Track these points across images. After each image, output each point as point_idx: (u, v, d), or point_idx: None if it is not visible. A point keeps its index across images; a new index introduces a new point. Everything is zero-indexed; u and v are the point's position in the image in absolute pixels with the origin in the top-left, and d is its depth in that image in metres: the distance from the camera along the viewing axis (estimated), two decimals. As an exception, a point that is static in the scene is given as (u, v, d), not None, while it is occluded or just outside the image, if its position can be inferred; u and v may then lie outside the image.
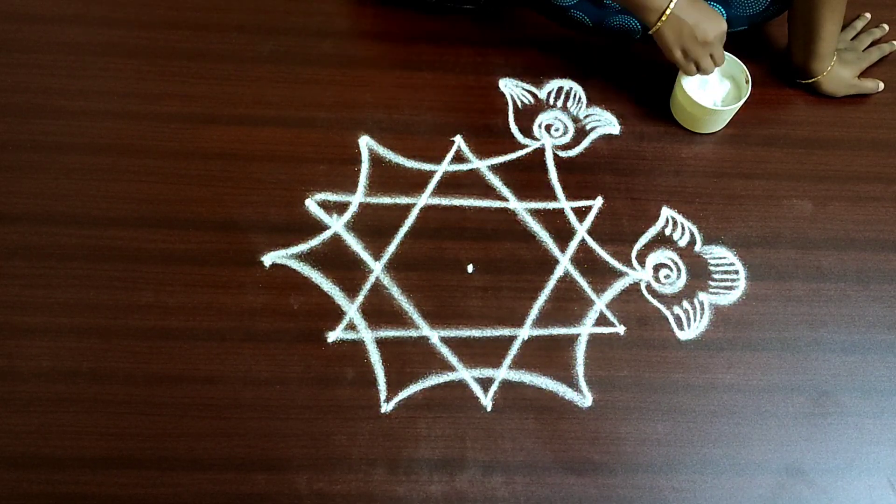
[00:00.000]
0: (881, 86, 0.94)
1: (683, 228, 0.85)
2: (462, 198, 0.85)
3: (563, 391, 0.77)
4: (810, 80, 0.92)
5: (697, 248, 0.85)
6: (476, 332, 0.79)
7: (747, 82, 0.87)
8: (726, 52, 0.85)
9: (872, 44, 0.97)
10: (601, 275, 0.82)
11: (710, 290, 0.82)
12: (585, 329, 0.80)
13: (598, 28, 0.96)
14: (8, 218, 0.81)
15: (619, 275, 0.83)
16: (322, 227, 0.83)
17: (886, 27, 0.98)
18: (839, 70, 0.92)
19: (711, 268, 0.84)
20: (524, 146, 0.89)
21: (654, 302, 0.81)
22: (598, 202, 0.86)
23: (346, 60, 0.92)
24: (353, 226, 0.83)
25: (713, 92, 0.89)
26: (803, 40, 0.87)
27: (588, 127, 0.91)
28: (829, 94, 0.94)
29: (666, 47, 0.80)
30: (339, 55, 0.93)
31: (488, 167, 0.87)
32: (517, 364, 0.78)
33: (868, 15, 0.99)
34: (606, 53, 0.96)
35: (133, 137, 0.86)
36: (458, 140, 0.89)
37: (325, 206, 0.84)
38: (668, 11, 0.76)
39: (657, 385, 0.77)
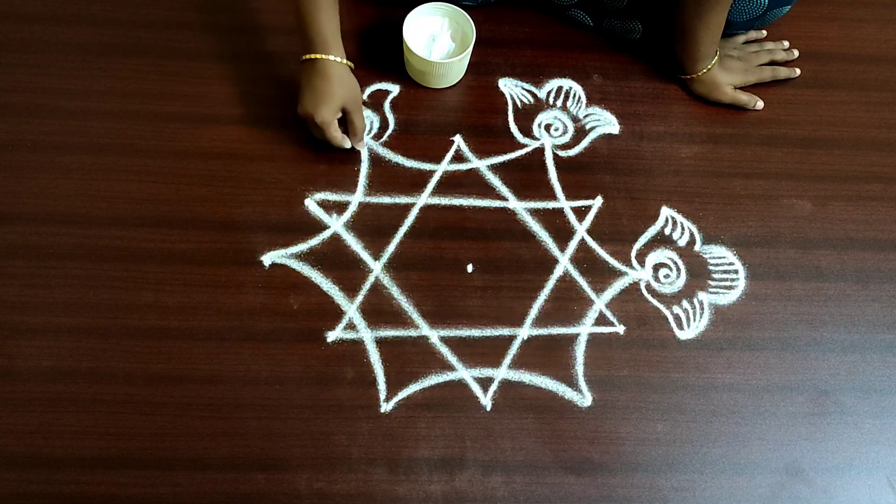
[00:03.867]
0: (759, 104, 0.92)
1: (683, 228, 0.85)
2: (462, 197, 0.85)
3: (563, 391, 0.77)
4: (685, 77, 0.92)
5: (697, 247, 0.85)
6: (476, 332, 0.79)
7: (473, 38, 0.87)
8: (457, 7, 0.88)
9: (774, 63, 0.94)
10: (601, 274, 0.82)
11: (710, 289, 0.82)
12: (585, 329, 0.80)
13: (598, 28, 0.96)
14: (8, 218, 0.81)
15: (619, 274, 0.83)
16: (322, 226, 0.83)
17: (796, 52, 0.95)
18: (718, 75, 0.90)
19: (711, 267, 0.84)
20: (524, 146, 0.89)
21: (654, 301, 0.81)
22: (598, 202, 0.86)
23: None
24: (352, 225, 0.83)
25: (440, 48, 0.89)
26: (679, 37, 0.88)
27: (588, 126, 0.91)
28: (702, 96, 0.92)
29: None
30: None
31: (488, 167, 0.87)
32: (517, 364, 0.78)
33: (764, 32, 0.97)
34: (606, 53, 0.96)
35: (133, 137, 0.86)
36: (458, 140, 0.89)
37: (325, 205, 0.84)
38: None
39: (657, 385, 0.77)
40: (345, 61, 0.81)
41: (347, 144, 0.84)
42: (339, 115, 0.82)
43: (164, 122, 0.87)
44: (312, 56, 0.79)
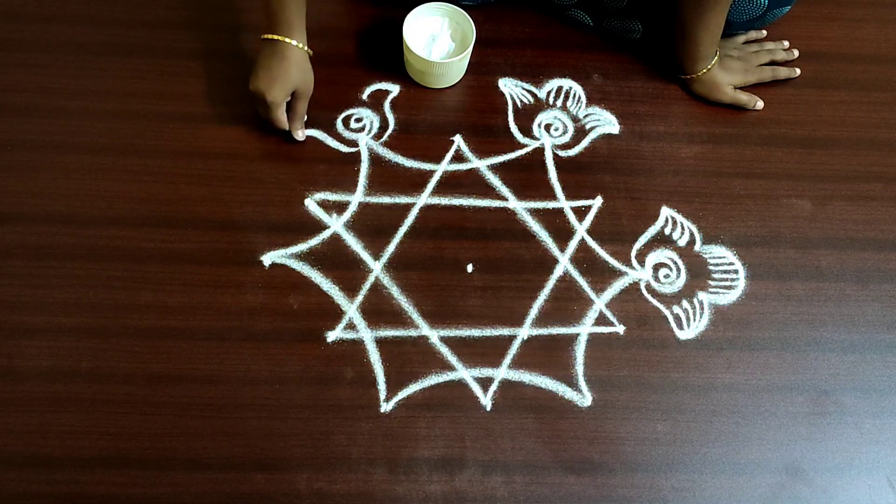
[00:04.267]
0: (759, 104, 0.92)
1: (683, 228, 0.85)
2: (461, 197, 0.85)
3: (563, 391, 0.77)
4: (685, 77, 0.92)
5: (697, 247, 0.85)
6: (476, 332, 0.79)
7: (473, 38, 0.87)
8: (457, 7, 0.88)
9: (774, 63, 0.94)
10: (601, 274, 0.82)
11: (710, 289, 0.82)
12: (585, 329, 0.80)
13: (598, 28, 0.96)
14: (7, 218, 0.81)
15: (619, 274, 0.83)
16: (322, 226, 0.83)
17: (796, 52, 0.95)
18: (718, 75, 0.90)
19: (711, 267, 0.84)
20: (524, 146, 0.89)
21: (654, 301, 0.81)
22: (598, 202, 0.86)
23: (345, 60, 0.92)
24: (352, 225, 0.83)
25: (440, 48, 0.89)
26: (679, 38, 0.88)
27: (588, 126, 0.91)
28: (702, 96, 0.92)
29: None
30: (337, 55, 0.93)
31: (488, 167, 0.87)
32: (517, 364, 0.78)
33: (764, 32, 0.96)
34: (606, 53, 0.96)
35: (132, 137, 0.86)
36: (458, 139, 0.89)
37: (325, 205, 0.84)
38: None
39: (656, 385, 0.77)
40: (305, 48, 0.82)
41: (287, 127, 0.85)
42: (289, 98, 0.83)
43: (163, 122, 0.87)
44: (273, 37, 0.80)
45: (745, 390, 0.78)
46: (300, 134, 0.86)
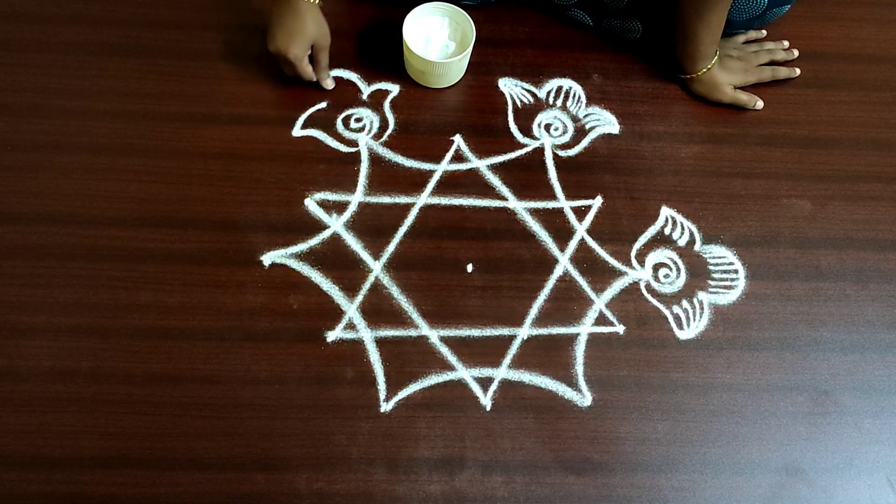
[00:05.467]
0: (759, 104, 0.92)
1: (683, 228, 0.85)
2: (461, 197, 0.85)
3: (563, 391, 0.77)
4: (685, 77, 0.92)
5: (697, 247, 0.85)
6: (475, 332, 0.79)
7: (473, 38, 0.87)
8: (457, 7, 0.88)
9: (773, 63, 0.94)
10: (601, 274, 0.82)
11: (710, 289, 0.82)
12: (585, 328, 0.80)
13: (598, 28, 0.96)
14: (8, 218, 0.81)
15: (619, 274, 0.83)
16: (321, 226, 0.83)
17: (796, 52, 0.95)
18: (718, 74, 0.90)
19: (711, 267, 0.84)
20: (524, 145, 0.89)
21: (654, 301, 0.81)
22: (598, 201, 0.86)
23: (344, 60, 0.93)
24: (352, 225, 0.83)
25: (439, 48, 0.89)
26: (680, 37, 0.88)
27: (587, 126, 0.91)
28: (702, 96, 0.92)
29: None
30: (337, 55, 0.92)
31: (488, 166, 0.87)
32: (517, 363, 0.78)
33: (764, 32, 0.97)
34: (606, 53, 0.96)
35: (132, 137, 0.86)
36: (458, 139, 0.89)
37: (325, 205, 0.84)
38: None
39: (656, 384, 0.77)
40: (316, 1, 0.83)
41: (314, 79, 0.87)
42: (309, 51, 0.85)
43: (164, 122, 0.87)
44: None
45: (745, 390, 0.78)
46: (329, 83, 0.89)
